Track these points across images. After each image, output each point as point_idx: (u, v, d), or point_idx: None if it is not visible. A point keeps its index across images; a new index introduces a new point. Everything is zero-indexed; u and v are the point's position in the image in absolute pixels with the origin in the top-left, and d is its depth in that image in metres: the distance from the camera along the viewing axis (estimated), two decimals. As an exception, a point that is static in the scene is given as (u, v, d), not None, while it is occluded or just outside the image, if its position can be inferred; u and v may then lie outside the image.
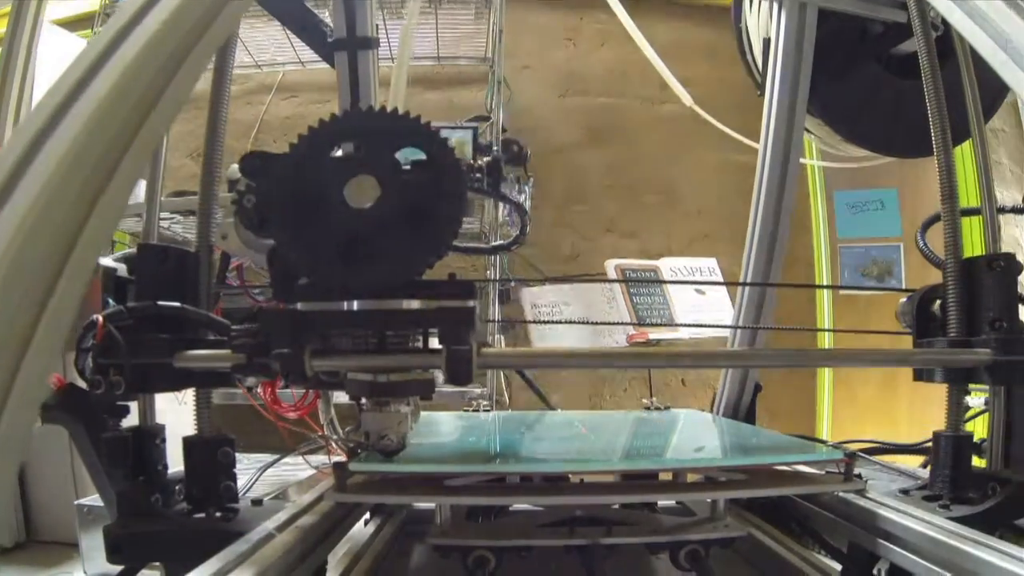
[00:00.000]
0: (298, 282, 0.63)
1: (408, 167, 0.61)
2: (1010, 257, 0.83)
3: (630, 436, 1.01)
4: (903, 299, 0.95)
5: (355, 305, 0.63)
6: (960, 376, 0.82)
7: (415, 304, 0.63)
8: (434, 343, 0.66)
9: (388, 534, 0.89)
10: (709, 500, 0.77)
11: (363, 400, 0.66)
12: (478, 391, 2.11)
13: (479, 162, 1.96)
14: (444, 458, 0.81)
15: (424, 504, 0.90)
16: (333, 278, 0.60)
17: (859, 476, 0.77)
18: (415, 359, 0.63)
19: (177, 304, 0.77)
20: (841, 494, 0.76)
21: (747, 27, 1.45)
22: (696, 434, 1.07)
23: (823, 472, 0.77)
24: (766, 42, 1.24)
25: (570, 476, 0.77)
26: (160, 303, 0.76)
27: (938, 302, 0.88)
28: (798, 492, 0.81)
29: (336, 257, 0.59)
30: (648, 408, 1.24)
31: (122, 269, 0.85)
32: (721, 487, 0.74)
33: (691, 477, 0.80)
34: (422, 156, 0.61)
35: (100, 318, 0.71)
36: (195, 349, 0.74)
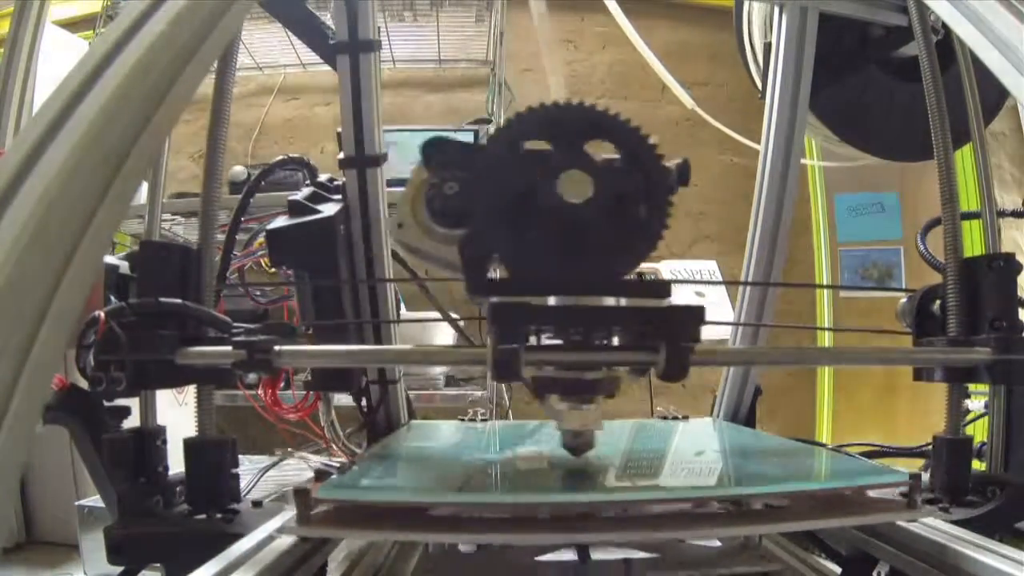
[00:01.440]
0: (490, 277, 0.62)
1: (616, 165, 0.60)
2: (1010, 257, 0.83)
3: (651, 454, 0.89)
4: (903, 299, 0.95)
5: (552, 301, 0.61)
6: (960, 375, 0.83)
7: (622, 302, 0.62)
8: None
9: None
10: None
11: (550, 398, 0.65)
12: (479, 394, 2.11)
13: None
14: (431, 483, 0.72)
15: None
16: (546, 273, 0.59)
17: (936, 502, 0.72)
18: (636, 355, 0.62)
19: (179, 301, 0.77)
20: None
21: (748, 31, 1.45)
22: (731, 452, 0.93)
23: (878, 496, 0.66)
24: (767, 45, 1.24)
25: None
26: (162, 300, 0.76)
27: (938, 302, 0.89)
28: (857, 523, 0.68)
29: (550, 252, 0.58)
30: (665, 418, 1.18)
31: (124, 267, 0.85)
32: (769, 519, 0.62)
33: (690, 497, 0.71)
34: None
35: (102, 314, 0.71)
36: (197, 346, 0.74)
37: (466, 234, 0.61)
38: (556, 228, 0.58)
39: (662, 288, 0.62)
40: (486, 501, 0.61)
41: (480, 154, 0.60)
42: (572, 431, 0.65)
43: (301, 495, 0.56)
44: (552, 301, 0.61)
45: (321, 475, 0.62)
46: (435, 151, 0.61)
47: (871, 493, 0.63)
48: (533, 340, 0.64)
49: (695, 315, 0.60)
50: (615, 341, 0.65)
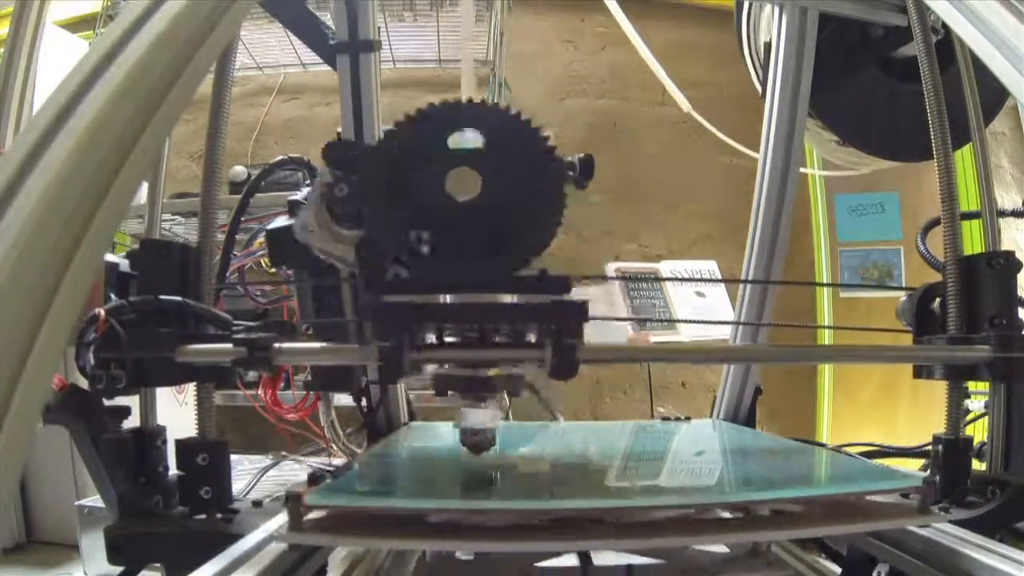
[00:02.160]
0: (386, 276, 0.62)
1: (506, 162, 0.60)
2: (1009, 255, 0.83)
3: (654, 457, 0.87)
4: (903, 298, 0.95)
5: (448, 299, 0.62)
6: (960, 373, 0.83)
7: (517, 299, 0.62)
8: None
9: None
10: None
11: (451, 395, 0.65)
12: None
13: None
14: (428, 487, 0.71)
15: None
16: (434, 271, 0.59)
17: (936, 502, 0.71)
18: (522, 353, 0.62)
19: (179, 298, 0.78)
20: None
21: (748, 31, 1.45)
22: (736, 456, 0.92)
23: (890, 501, 0.64)
24: (767, 45, 1.24)
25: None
26: (162, 297, 0.76)
27: (938, 300, 0.89)
28: (870, 529, 0.66)
29: (441, 250, 0.59)
30: (667, 419, 1.17)
31: (125, 265, 0.85)
32: (780, 526, 0.60)
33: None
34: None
35: (102, 312, 0.71)
36: (197, 344, 0.74)
37: (361, 236, 0.62)
38: (446, 226, 0.59)
39: (559, 283, 0.61)
40: (485, 507, 0.60)
41: (369, 155, 0.60)
42: (470, 429, 0.66)
43: (293, 500, 0.54)
44: (451, 299, 0.62)
45: (315, 479, 0.61)
46: (333, 152, 0.62)
47: (881, 498, 0.62)
48: (433, 339, 0.64)
49: (577, 311, 0.60)
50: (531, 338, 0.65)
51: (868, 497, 0.62)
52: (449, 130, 0.60)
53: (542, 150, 0.60)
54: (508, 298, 0.62)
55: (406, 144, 0.59)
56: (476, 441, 0.66)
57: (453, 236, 0.59)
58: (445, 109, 0.59)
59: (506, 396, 0.68)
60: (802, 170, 1.29)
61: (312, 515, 0.55)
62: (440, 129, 0.60)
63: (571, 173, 0.61)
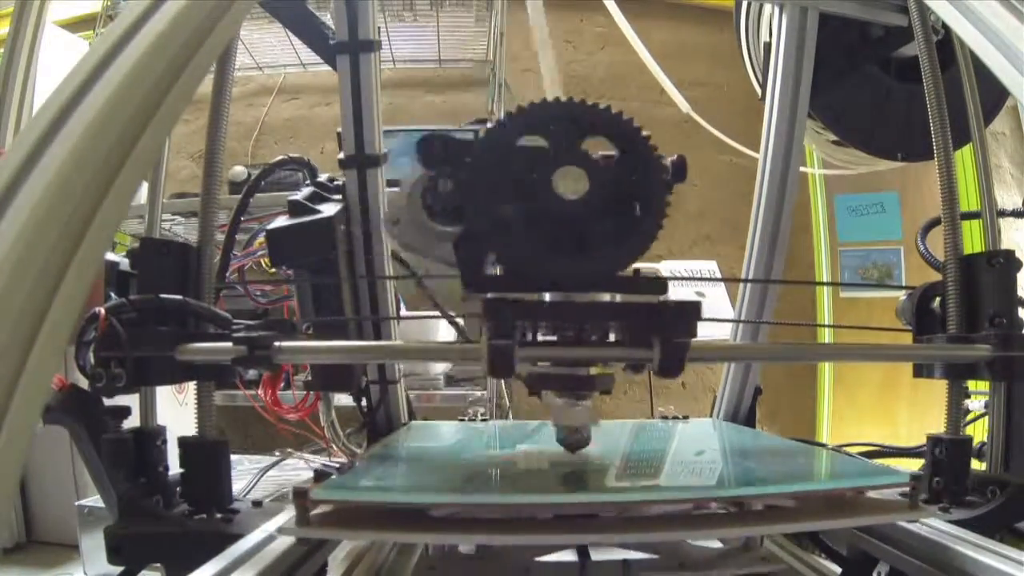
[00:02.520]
0: (486, 272, 0.62)
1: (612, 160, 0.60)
2: (1010, 254, 0.84)
3: (652, 454, 0.89)
4: (903, 297, 0.95)
5: (548, 297, 0.61)
6: (960, 372, 0.83)
7: (623, 298, 0.62)
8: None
9: (389, 536, 0.89)
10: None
11: (546, 395, 0.65)
12: (479, 393, 2.11)
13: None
14: (431, 483, 0.72)
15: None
16: (542, 268, 0.59)
17: (936, 502, 0.72)
18: (630, 352, 0.62)
19: (179, 297, 0.78)
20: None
21: (746, 31, 1.45)
22: (731, 453, 0.92)
23: (879, 496, 0.65)
24: (767, 46, 1.24)
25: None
26: (162, 296, 0.76)
27: (938, 299, 0.89)
28: (858, 524, 0.68)
29: (545, 248, 0.58)
30: (665, 418, 1.17)
31: (125, 264, 0.85)
32: (771, 520, 0.62)
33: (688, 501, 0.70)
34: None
35: (102, 311, 0.71)
36: (197, 342, 0.74)
37: (462, 231, 0.61)
38: (551, 224, 0.58)
39: (658, 284, 0.61)
40: (486, 502, 0.60)
41: (475, 151, 0.60)
42: (568, 427, 0.65)
43: (300, 496, 0.55)
44: (549, 298, 0.61)
45: (320, 475, 0.62)
46: (431, 148, 0.61)
47: (872, 494, 0.62)
48: (529, 337, 0.64)
49: (690, 310, 0.60)
50: (612, 337, 0.65)
51: (862, 493, 0.63)
52: (539, 128, 0.59)
53: (647, 150, 0.60)
54: (606, 298, 0.62)
55: (513, 140, 0.59)
56: (576, 439, 0.65)
57: (559, 234, 0.58)
58: (550, 106, 0.59)
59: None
60: (802, 170, 1.28)
61: (317, 511, 0.56)
62: (546, 126, 0.59)
63: (666, 176, 0.61)
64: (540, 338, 0.64)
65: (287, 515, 0.69)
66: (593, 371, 0.64)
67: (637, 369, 0.63)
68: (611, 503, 0.59)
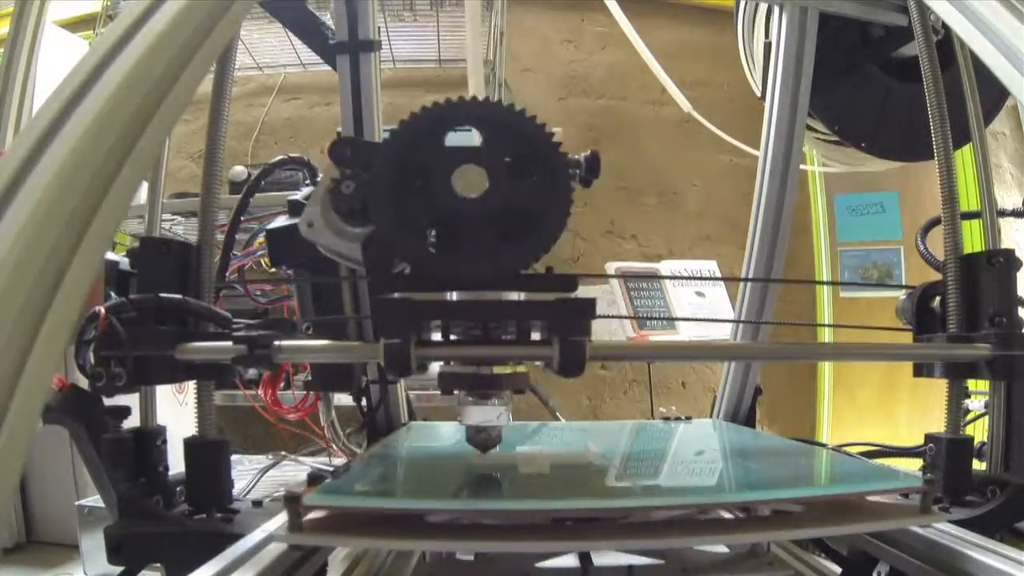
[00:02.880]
0: (394, 272, 0.62)
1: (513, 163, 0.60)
2: (1010, 253, 0.83)
3: (655, 456, 0.86)
4: (903, 296, 0.95)
5: (454, 296, 0.62)
6: (960, 371, 0.83)
7: (523, 296, 0.62)
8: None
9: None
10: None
11: (457, 394, 0.65)
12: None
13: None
14: (428, 487, 0.71)
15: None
16: (439, 268, 0.59)
17: (937, 502, 0.71)
18: (528, 350, 0.62)
19: (179, 296, 0.78)
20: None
21: (743, 31, 1.45)
22: (737, 456, 0.90)
23: (890, 500, 0.64)
24: (767, 46, 1.24)
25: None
26: (162, 295, 0.76)
27: (938, 298, 0.89)
28: (871, 529, 0.65)
29: (443, 247, 0.59)
30: (667, 419, 1.16)
31: (125, 263, 0.85)
32: (781, 526, 0.59)
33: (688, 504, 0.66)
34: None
35: (102, 310, 0.71)
36: (197, 341, 0.74)
37: (369, 232, 0.62)
38: (453, 224, 0.59)
39: (566, 281, 0.61)
40: (484, 507, 0.60)
41: (376, 152, 0.60)
42: (475, 427, 0.66)
43: (292, 501, 0.54)
44: (456, 296, 0.62)
45: (315, 479, 0.61)
46: (340, 149, 0.62)
47: (881, 497, 0.62)
48: (439, 337, 0.64)
49: (585, 308, 0.60)
50: (537, 337, 0.65)
51: (869, 497, 0.62)
52: (455, 127, 0.60)
53: (549, 148, 0.60)
54: (513, 296, 0.62)
55: (413, 141, 0.59)
56: (482, 439, 0.66)
57: (460, 233, 0.59)
58: (451, 106, 0.59)
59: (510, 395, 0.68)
60: (802, 167, 1.28)
61: (311, 515, 0.55)
62: (446, 126, 0.59)
63: (577, 171, 0.61)
64: (454, 338, 0.65)
65: (286, 516, 0.69)
66: (507, 370, 0.64)
67: (549, 366, 0.63)
68: (613, 509, 0.58)
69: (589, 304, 0.60)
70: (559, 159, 0.60)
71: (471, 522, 0.57)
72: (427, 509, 0.57)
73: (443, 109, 0.59)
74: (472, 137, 0.61)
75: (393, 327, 0.59)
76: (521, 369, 0.64)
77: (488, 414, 0.65)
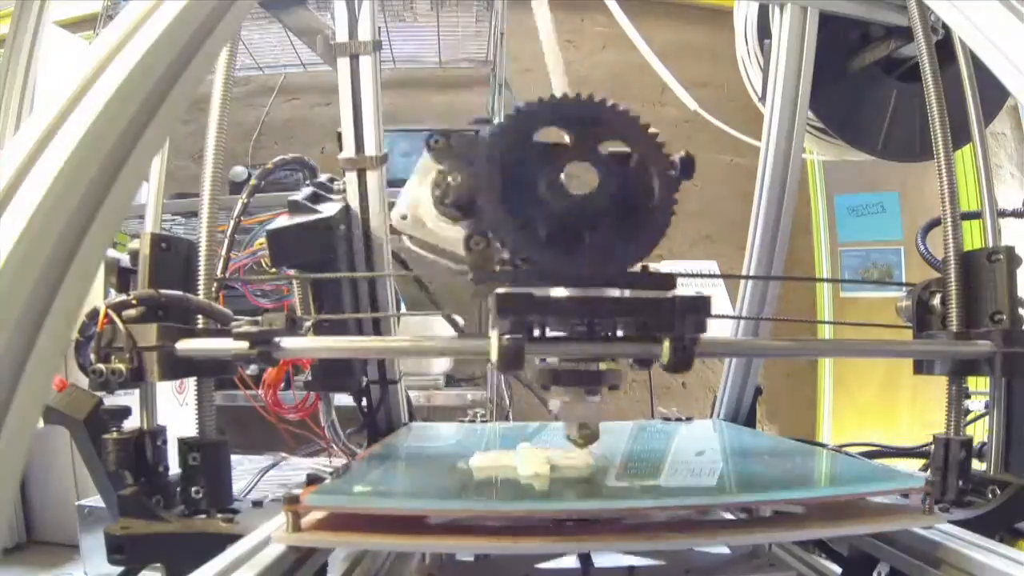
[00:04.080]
0: (497, 268, 0.61)
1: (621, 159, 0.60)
2: (1010, 250, 0.83)
3: (655, 457, 0.86)
4: (903, 294, 0.95)
5: (556, 293, 0.61)
6: (961, 368, 0.83)
7: (626, 293, 0.62)
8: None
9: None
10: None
11: (552, 389, 0.65)
12: (479, 394, 2.11)
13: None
14: (428, 488, 0.70)
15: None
16: (550, 264, 0.58)
17: (937, 502, 0.71)
18: (640, 347, 0.62)
19: (180, 292, 0.78)
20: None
21: (744, 32, 1.45)
22: (737, 456, 0.91)
23: (892, 502, 0.64)
24: (767, 46, 1.25)
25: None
26: (163, 291, 0.76)
27: (938, 296, 0.89)
28: (873, 531, 0.65)
29: (554, 243, 0.58)
30: (667, 419, 1.16)
31: (125, 260, 0.85)
32: (784, 527, 0.60)
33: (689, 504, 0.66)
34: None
35: (103, 306, 0.71)
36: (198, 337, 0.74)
37: (471, 225, 0.61)
38: (561, 219, 0.58)
39: (667, 280, 0.61)
40: (484, 508, 0.59)
41: (485, 145, 0.59)
42: (577, 423, 0.65)
43: (291, 502, 0.54)
44: (556, 293, 0.61)
45: (314, 480, 0.62)
46: (441, 142, 0.61)
47: (883, 498, 0.62)
48: (536, 333, 0.64)
49: (699, 306, 0.60)
50: (620, 333, 0.65)
51: (870, 498, 0.62)
52: (562, 124, 0.59)
53: (654, 146, 0.60)
54: (614, 294, 0.62)
55: (519, 136, 0.59)
56: (584, 436, 0.65)
57: (568, 230, 0.58)
58: (559, 103, 0.59)
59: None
60: (804, 156, 1.28)
61: (311, 516, 0.55)
62: (553, 123, 0.59)
63: (674, 172, 0.61)
64: (548, 334, 0.64)
65: (284, 518, 0.69)
66: (602, 366, 0.64)
67: (645, 364, 0.63)
68: (615, 509, 0.58)
69: (705, 302, 0.60)
70: (663, 157, 0.60)
71: (471, 523, 0.57)
72: (427, 510, 0.57)
73: (550, 105, 0.59)
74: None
75: (511, 322, 0.57)
76: (615, 366, 0.64)
77: (589, 410, 0.64)
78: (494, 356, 0.57)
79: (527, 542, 0.55)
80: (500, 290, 0.57)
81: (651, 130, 0.60)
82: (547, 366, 0.64)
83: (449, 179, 0.61)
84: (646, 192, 0.59)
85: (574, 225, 0.58)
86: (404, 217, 0.65)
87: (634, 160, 0.59)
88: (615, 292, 0.61)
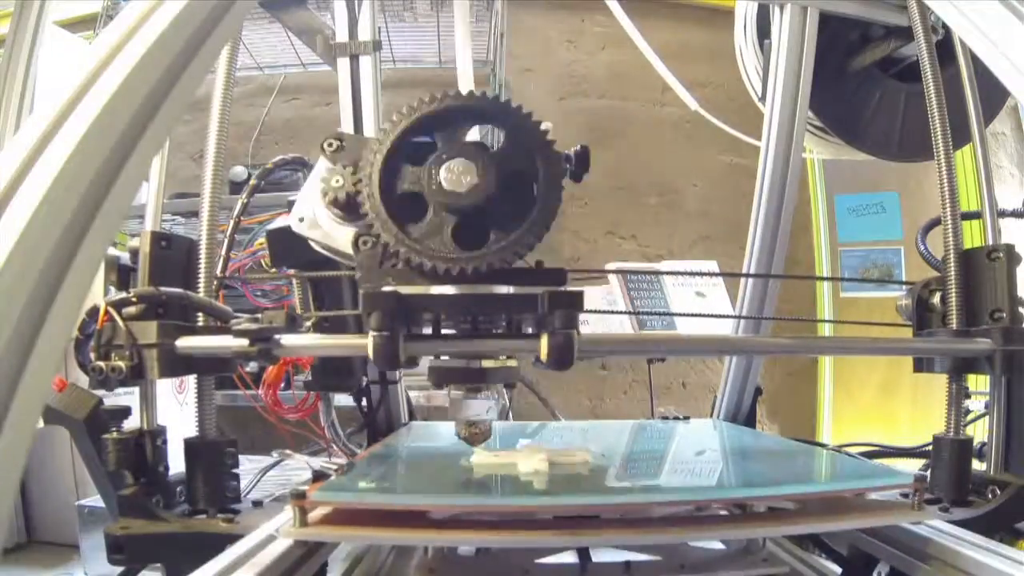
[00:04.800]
0: (385, 266, 0.62)
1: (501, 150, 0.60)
2: (1009, 248, 0.83)
3: (653, 455, 0.86)
4: (903, 293, 0.95)
5: (449, 290, 0.61)
6: (961, 366, 0.83)
7: (509, 289, 0.61)
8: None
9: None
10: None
11: (445, 388, 0.65)
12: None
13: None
14: (430, 485, 0.71)
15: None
16: (429, 261, 0.58)
17: (937, 502, 0.71)
18: (517, 343, 0.62)
19: (180, 290, 0.78)
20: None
21: (744, 32, 1.45)
22: (733, 454, 0.90)
23: (884, 498, 0.64)
24: (767, 45, 1.25)
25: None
26: (163, 288, 0.76)
27: (938, 295, 0.89)
28: (863, 525, 0.64)
29: (433, 240, 0.59)
30: (666, 418, 1.17)
31: (125, 258, 0.85)
32: (774, 522, 0.60)
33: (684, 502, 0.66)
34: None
35: (103, 304, 0.71)
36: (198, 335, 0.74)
37: (359, 226, 0.61)
38: (443, 216, 0.58)
39: (555, 275, 0.61)
40: (485, 503, 0.60)
41: (368, 148, 0.60)
42: (466, 420, 0.66)
43: (298, 498, 0.55)
44: (448, 290, 0.61)
45: (319, 476, 0.62)
46: (333, 144, 0.62)
47: (875, 495, 0.63)
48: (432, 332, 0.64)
49: (572, 301, 0.59)
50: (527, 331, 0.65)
51: (865, 495, 0.63)
52: (447, 122, 0.59)
53: (540, 141, 0.59)
54: (503, 290, 0.62)
55: (405, 136, 0.59)
56: (473, 432, 0.66)
57: (449, 226, 0.59)
58: (443, 101, 0.59)
59: (505, 394, 0.69)
60: (804, 155, 1.28)
61: (316, 512, 0.56)
62: (438, 122, 0.59)
63: (567, 165, 0.61)
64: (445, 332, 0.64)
65: (287, 515, 0.69)
66: (487, 364, 0.64)
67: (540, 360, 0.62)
68: (612, 505, 0.58)
69: (576, 296, 0.59)
70: (550, 152, 0.59)
71: (472, 517, 0.58)
72: (429, 505, 0.58)
73: (435, 104, 0.59)
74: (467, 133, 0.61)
75: (380, 320, 0.58)
76: (511, 362, 0.64)
77: (478, 408, 0.64)
78: (369, 353, 0.59)
79: (526, 536, 0.56)
80: (366, 289, 0.59)
81: (533, 120, 0.59)
82: (436, 364, 0.64)
83: (334, 180, 0.62)
84: (528, 186, 0.59)
85: (455, 221, 0.58)
86: (301, 220, 0.66)
87: (512, 153, 0.59)
88: (505, 289, 0.61)
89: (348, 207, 0.62)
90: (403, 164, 0.59)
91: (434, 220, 0.59)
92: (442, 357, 0.66)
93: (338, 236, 0.65)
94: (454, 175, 0.57)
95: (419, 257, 0.58)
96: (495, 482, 0.70)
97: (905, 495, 0.62)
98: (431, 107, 0.59)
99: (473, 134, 0.62)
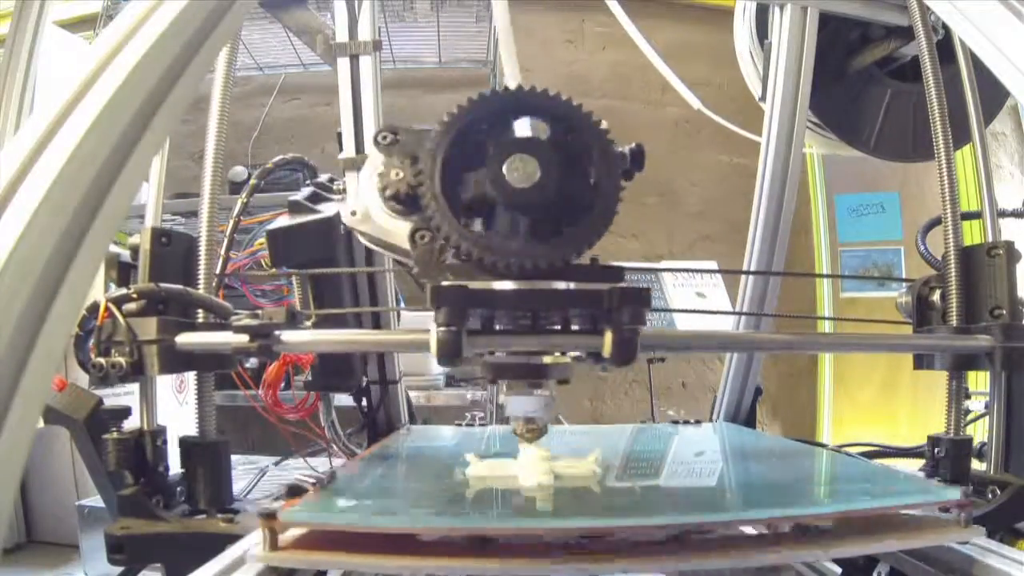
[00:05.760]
0: (444, 261, 0.61)
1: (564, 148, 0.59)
2: (1009, 245, 0.84)
3: (668, 465, 0.82)
4: (903, 290, 0.95)
5: (512, 285, 0.60)
6: (961, 363, 0.83)
7: (570, 285, 0.60)
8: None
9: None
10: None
11: (496, 384, 0.64)
12: (479, 394, 2.11)
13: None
14: (420, 501, 0.65)
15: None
16: (494, 257, 0.57)
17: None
18: (581, 339, 0.61)
19: (180, 287, 0.78)
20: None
21: (745, 32, 1.45)
22: (752, 464, 0.86)
23: (926, 513, 0.60)
24: (767, 46, 1.25)
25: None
26: (163, 285, 0.76)
27: (938, 292, 0.89)
28: (910, 546, 0.60)
29: (498, 236, 0.58)
30: (676, 422, 1.14)
31: (125, 255, 0.85)
32: (811, 545, 0.55)
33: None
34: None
35: (103, 300, 0.71)
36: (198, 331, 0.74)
37: (416, 220, 0.61)
38: (504, 212, 0.58)
39: (614, 272, 0.61)
40: (481, 526, 0.54)
41: (429, 140, 0.59)
42: (523, 417, 0.65)
43: (268, 518, 0.51)
44: (507, 286, 0.60)
45: (295, 492, 0.59)
46: (388, 137, 0.61)
47: (914, 511, 0.59)
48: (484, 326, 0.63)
49: (639, 298, 0.58)
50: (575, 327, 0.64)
51: (902, 511, 0.59)
52: (508, 116, 0.59)
53: (601, 139, 0.59)
54: (560, 286, 0.61)
55: (463, 130, 0.58)
56: (531, 429, 0.65)
57: (510, 223, 0.58)
58: (504, 95, 0.59)
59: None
60: (804, 150, 1.28)
61: (289, 534, 0.52)
62: (498, 116, 0.59)
63: (623, 164, 0.61)
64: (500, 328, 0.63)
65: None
66: (547, 360, 0.63)
67: (598, 358, 0.62)
68: (627, 527, 0.53)
69: (644, 293, 0.59)
70: (609, 150, 0.59)
71: (467, 540, 0.53)
72: (417, 528, 0.53)
73: (495, 98, 0.58)
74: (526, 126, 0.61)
75: (449, 315, 0.57)
76: (565, 359, 0.63)
77: (535, 404, 0.64)
78: (433, 348, 0.57)
79: (528, 564, 0.51)
80: (436, 283, 0.57)
81: (600, 124, 0.59)
82: (493, 360, 0.63)
83: (393, 174, 0.61)
84: (590, 184, 0.59)
85: (517, 217, 0.58)
86: (354, 213, 0.65)
87: (579, 151, 0.59)
88: (563, 285, 0.60)
89: (408, 201, 0.61)
90: (463, 158, 0.58)
91: (499, 215, 0.58)
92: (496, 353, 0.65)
93: (393, 230, 0.64)
94: (518, 169, 0.57)
95: (483, 252, 0.57)
96: (494, 498, 0.65)
97: (946, 509, 0.59)
98: (490, 100, 0.58)
99: (523, 129, 0.62)
